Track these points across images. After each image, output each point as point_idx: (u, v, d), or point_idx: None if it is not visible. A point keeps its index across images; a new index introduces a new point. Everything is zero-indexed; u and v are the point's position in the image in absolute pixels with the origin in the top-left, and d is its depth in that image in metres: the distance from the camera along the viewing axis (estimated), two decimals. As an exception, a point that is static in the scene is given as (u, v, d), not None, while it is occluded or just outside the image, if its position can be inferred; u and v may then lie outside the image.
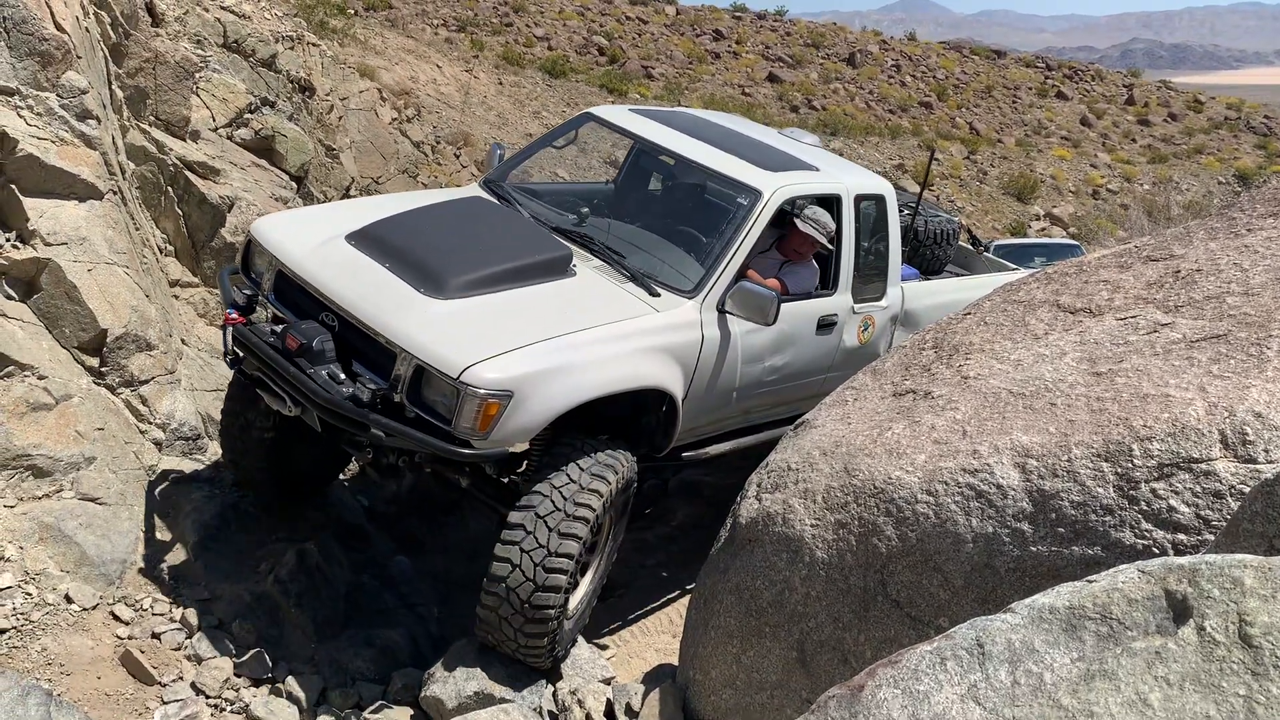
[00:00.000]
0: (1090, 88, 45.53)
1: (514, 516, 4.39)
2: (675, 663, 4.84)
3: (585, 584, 4.93)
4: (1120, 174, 33.76)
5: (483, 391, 4.14)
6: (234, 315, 4.78)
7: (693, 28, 41.07)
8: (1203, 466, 3.13)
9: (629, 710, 4.53)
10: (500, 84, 25.50)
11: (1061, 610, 2.34)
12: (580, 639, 5.06)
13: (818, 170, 6.01)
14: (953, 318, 4.99)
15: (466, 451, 4.27)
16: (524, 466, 4.92)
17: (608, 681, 4.86)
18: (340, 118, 12.18)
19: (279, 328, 4.61)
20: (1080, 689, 2.17)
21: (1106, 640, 2.24)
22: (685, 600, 5.67)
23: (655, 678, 4.80)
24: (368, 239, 4.87)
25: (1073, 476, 3.34)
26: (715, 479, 7.40)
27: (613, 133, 6.32)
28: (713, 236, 5.48)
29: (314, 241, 4.86)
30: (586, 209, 5.75)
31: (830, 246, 5.80)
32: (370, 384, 4.36)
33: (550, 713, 4.56)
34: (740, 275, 5.31)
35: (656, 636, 5.88)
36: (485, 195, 5.78)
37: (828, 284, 5.90)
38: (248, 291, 4.91)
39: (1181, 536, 3.11)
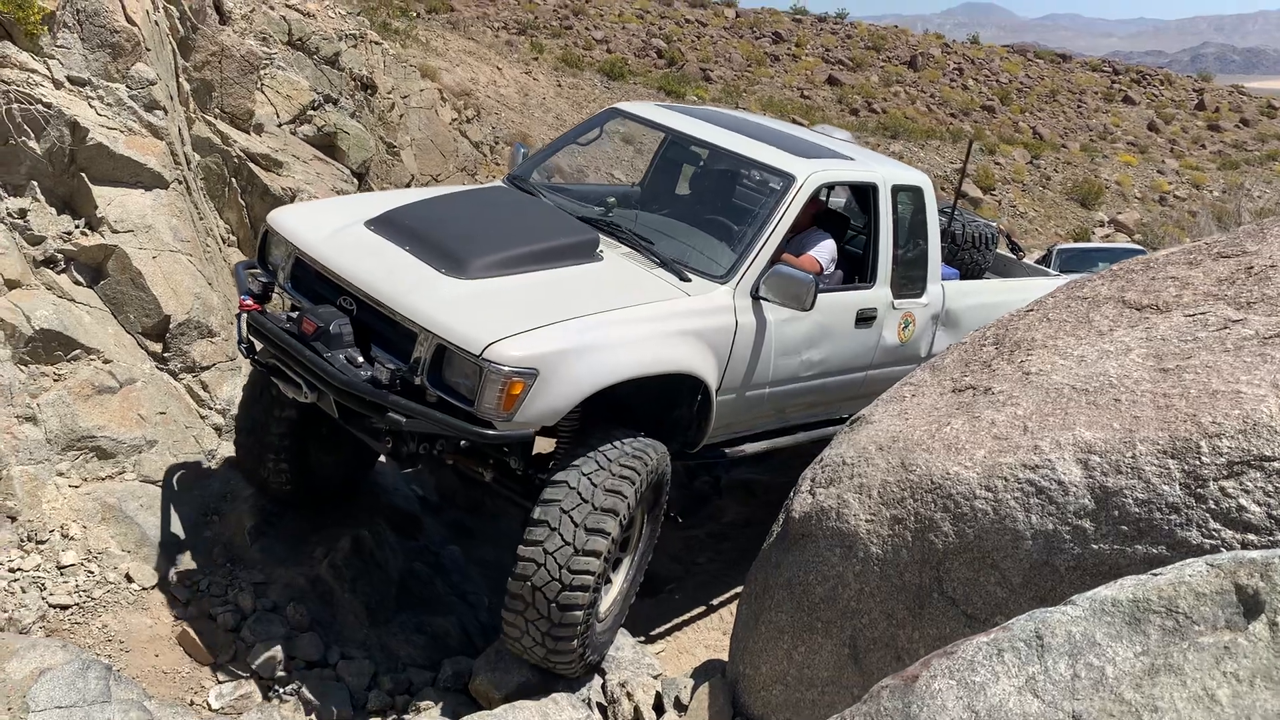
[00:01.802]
0: (1159, 92, 44.62)
1: (538, 512, 4.17)
2: (725, 659, 4.80)
3: (618, 583, 4.69)
4: (1189, 180, 33.01)
5: (507, 369, 3.95)
6: (249, 302, 4.65)
7: (752, 30, 40.96)
8: (1275, 465, 3.02)
9: (678, 704, 4.50)
10: (559, 86, 25.64)
11: (1125, 603, 2.27)
12: (627, 634, 5.04)
13: (853, 160, 5.91)
14: (1014, 314, 4.89)
15: (490, 433, 4.07)
16: (551, 466, 4.67)
17: (656, 676, 4.83)
18: (401, 116, 12.31)
19: (295, 313, 4.48)
20: (1144, 683, 2.11)
21: (1172, 634, 2.17)
22: (736, 598, 5.63)
23: (705, 672, 4.76)
24: (387, 224, 4.73)
25: (1137, 473, 3.25)
26: (768, 478, 7.34)
27: (640, 126, 6.18)
28: (745, 223, 5.31)
29: (332, 228, 4.74)
30: (614, 199, 5.63)
31: (821, 200, 5.60)
32: (389, 365, 4.19)
33: (599, 704, 4.54)
34: (774, 262, 5.09)
35: (706, 633, 5.84)
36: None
37: (865, 276, 5.70)
38: (264, 279, 4.77)
39: (1251, 536, 3.01)
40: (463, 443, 4.40)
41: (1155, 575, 2.30)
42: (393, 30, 19.10)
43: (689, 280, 4.86)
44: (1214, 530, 3.07)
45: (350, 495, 5.77)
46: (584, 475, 4.20)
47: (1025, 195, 29.59)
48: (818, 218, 5.81)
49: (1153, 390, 3.52)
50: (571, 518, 4.11)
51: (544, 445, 4.79)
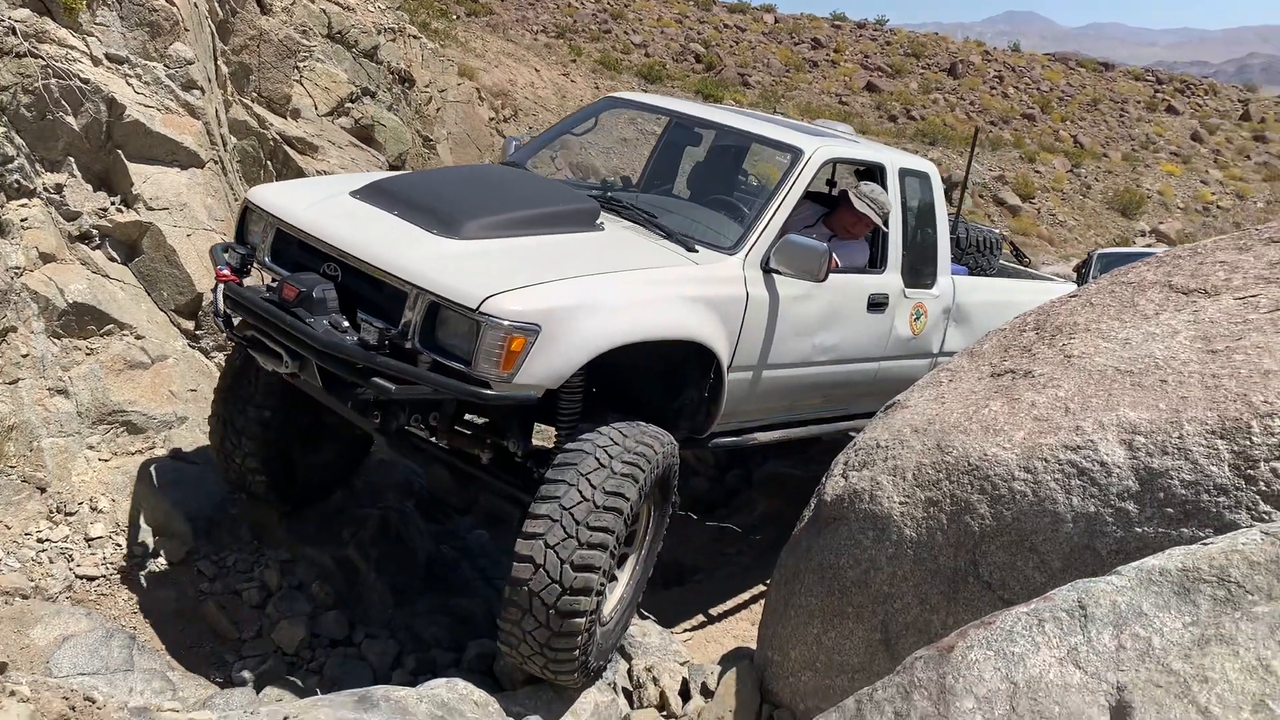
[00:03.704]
0: (1203, 102, 43.97)
1: (536, 507, 3.82)
2: (754, 648, 4.72)
3: (622, 583, 4.36)
4: (1233, 191, 32.48)
5: (506, 323, 3.65)
6: (225, 273, 4.33)
7: (791, 36, 40.82)
8: (1330, 445, 2.91)
9: (704, 690, 4.41)
10: (597, 89, 25.65)
11: (1173, 572, 2.18)
12: (654, 621, 4.97)
13: (859, 142, 5.82)
14: (1056, 301, 4.78)
15: (488, 392, 3.74)
16: (551, 456, 4.26)
17: (683, 663, 4.75)
18: (438, 109, 12.34)
19: (275, 283, 4.21)
20: (1193, 654, 2.01)
21: (1224, 604, 2.07)
22: (764, 589, 5.54)
23: (732, 659, 4.67)
24: (375, 191, 4.47)
25: (1184, 454, 3.14)
26: (800, 471, 7.24)
27: (641, 112, 6.09)
28: (752, 199, 5.20)
29: (315, 199, 4.48)
30: (614, 181, 5.54)
31: (885, 227, 5.44)
32: (377, 326, 3.85)
33: (625, 689, 4.47)
34: (783, 235, 4.85)
35: (735, 624, 5.75)
36: None
37: (876, 262, 5.53)
38: (241, 251, 4.43)
39: (1304, 519, 2.89)
40: (456, 425, 4.20)
41: (1206, 545, 2.21)
42: (432, 30, 19.17)
43: (696, 251, 4.61)
44: (1264, 513, 2.95)
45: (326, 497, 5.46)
46: (586, 468, 3.87)
47: (1065, 204, 29.26)
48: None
49: (1201, 371, 3.41)
50: (573, 514, 3.78)
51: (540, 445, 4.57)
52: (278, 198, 4.51)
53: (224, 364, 5.07)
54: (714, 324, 4.44)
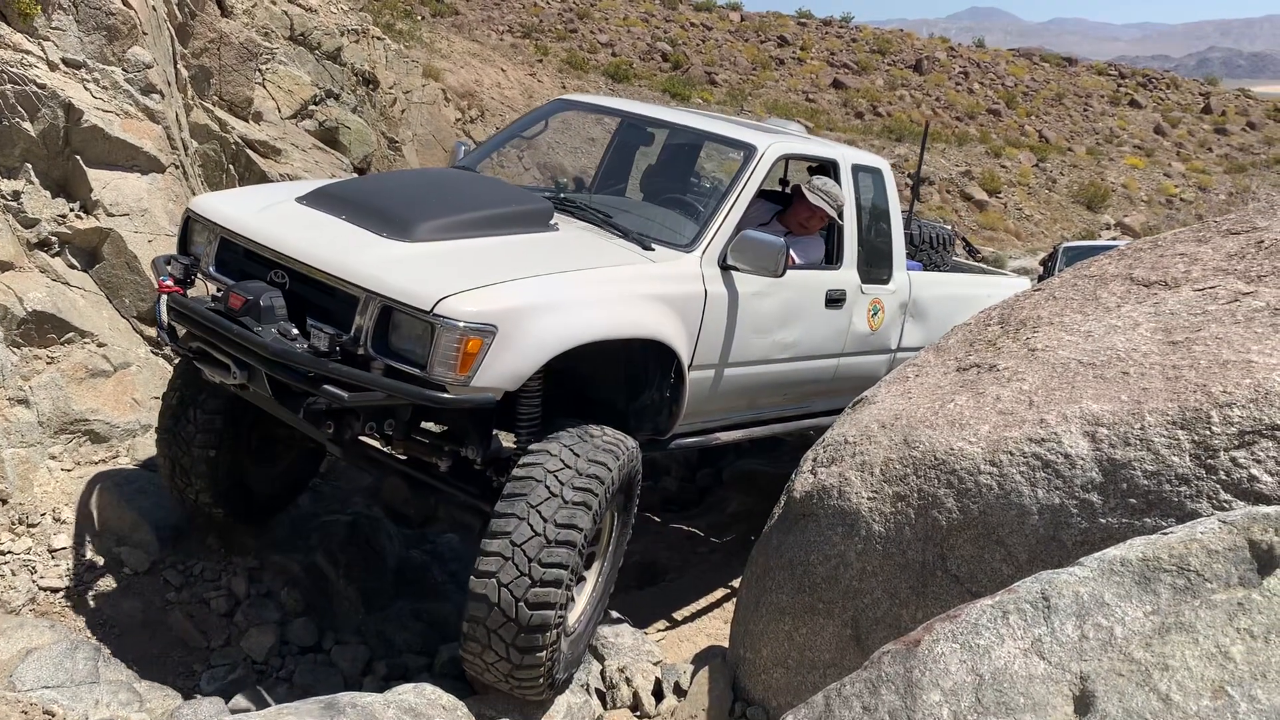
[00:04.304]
0: (1165, 96, 44.53)
1: (487, 544, 3.70)
2: (726, 646, 4.72)
3: (586, 594, 4.28)
4: (1195, 183, 32.93)
5: (462, 325, 3.55)
6: (168, 284, 4.17)
7: (757, 34, 40.94)
8: (1288, 433, 2.95)
9: (677, 689, 4.42)
10: (564, 88, 25.62)
11: (1134, 562, 2.20)
12: (627, 621, 4.96)
13: (811, 139, 5.84)
14: (1020, 295, 4.82)
15: (444, 396, 3.64)
16: (510, 463, 4.14)
17: (656, 663, 4.75)
18: (403, 111, 12.28)
19: (221, 293, 4.04)
20: (1154, 642, 2.03)
21: (1184, 593, 2.10)
22: (736, 587, 5.54)
23: (705, 658, 4.67)
24: (322, 197, 4.36)
25: (1146, 445, 3.17)
26: (771, 469, 7.26)
27: (592, 114, 6.02)
28: (707, 197, 5.17)
29: (260, 206, 4.35)
30: (567, 180, 5.47)
31: (840, 219, 5.42)
32: (328, 332, 3.71)
33: (598, 690, 4.46)
34: (739, 231, 4.79)
35: (707, 622, 5.75)
36: None
37: (832, 258, 5.51)
38: (184, 262, 4.26)
39: (1263, 508, 2.93)
40: (412, 434, 4.10)
41: (1166, 534, 2.23)
42: (397, 31, 19.08)
43: (652, 250, 4.55)
44: (1225, 501, 2.99)
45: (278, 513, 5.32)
46: (536, 499, 3.73)
47: (1031, 198, 29.53)
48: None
49: (1161, 362, 3.45)
50: (525, 550, 3.64)
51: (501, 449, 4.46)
52: (222, 206, 4.38)
53: (162, 400, 4.90)
54: (673, 322, 4.39)
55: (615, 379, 4.53)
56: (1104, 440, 3.27)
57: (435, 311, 3.58)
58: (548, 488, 3.75)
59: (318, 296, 3.86)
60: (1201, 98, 45.11)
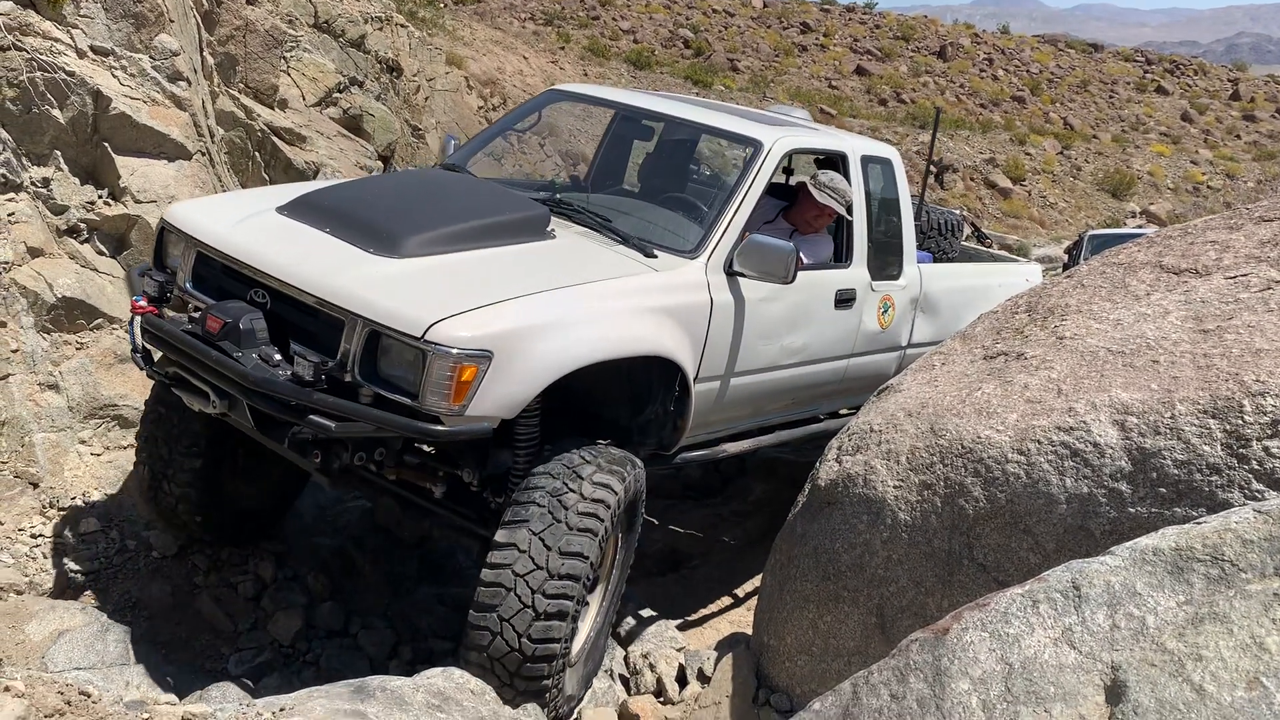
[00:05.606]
0: (1192, 82, 44.03)
1: (487, 575, 3.56)
2: (749, 633, 4.73)
3: (589, 621, 4.11)
4: (1223, 171, 32.57)
5: (455, 351, 3.36)
6: (141, 304, 3.94)
7: (780, 20, 40.74)
8: (1322, 422, 2.92)
9: (701, 675, 4.43)
10: (585, 75, 25.60)
11: (1167, 552, 2.18)
12: (650, 608, 4.96)
13: (819, 130, 5.58)
14: (1048, 283, 4.79)
15: (438, 429, 3.45)
16: (509, 486, 3.97)
17: (680, 649, 4.76)
18: (427, 99, 12.30)
19: (198, 313, 3.81)
20: (1187, 632, 2.01)
21: (1217, 583, 2.08)
22: (759, 575, 5.54)
23: (728, 644, 4.67)
24: (303, 206, 4.11)
25: (1176, 434, 3.15)
26: (794, 456, 7.24)
27: (585, 106, 5.64)
28: (710, 196, 4.84)
29: (238, 217, 4.09)
30: (560, 181, 5.15)
31: (849, 216, 5.17)
32: (312, 359, 3.52)
33: (621, 675, 4.49)
34: (745, 234, 4.60)
35: (731, 610, 5.76)
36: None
37: (841, 256, 5.26)
38: (159, 279, 4.05)
39: (1296, 497, 2.90)
40: (406, 456, 3.91)
41: (1199, 524, 2.21)
42: (420, 19, 19.09)
43: (654, 257, 4.32)
44: (1257, 491, 2.97)
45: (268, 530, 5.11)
46: (538, 526, 3.56)
47: (1055, 185, 29.30)
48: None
49: (1192, 351, 3.42)
50: (528, 581, 3.51)
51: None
52: (197, 216, 4.13)
53: (139, 425, 4.75)
54: (678, 335, 4.18)
55: (618, 395, 4.36)
56: (1133, 429, 3.24)
57: (426, 338, 3.39)
58: (551, 513, 3.59)
59: (301, 318, 3.67)
60: (1230, 84, 44.58)
